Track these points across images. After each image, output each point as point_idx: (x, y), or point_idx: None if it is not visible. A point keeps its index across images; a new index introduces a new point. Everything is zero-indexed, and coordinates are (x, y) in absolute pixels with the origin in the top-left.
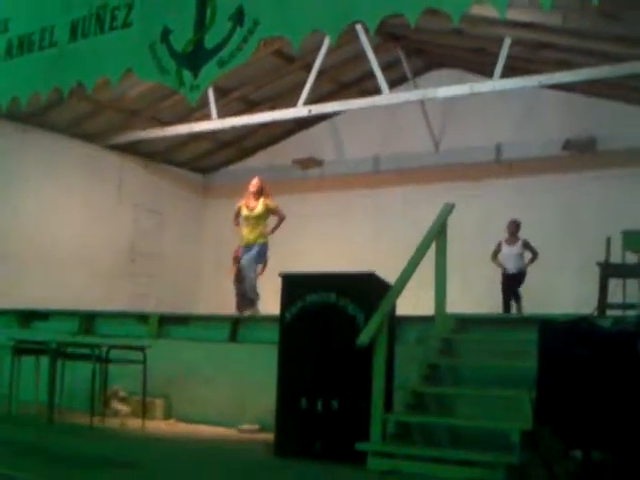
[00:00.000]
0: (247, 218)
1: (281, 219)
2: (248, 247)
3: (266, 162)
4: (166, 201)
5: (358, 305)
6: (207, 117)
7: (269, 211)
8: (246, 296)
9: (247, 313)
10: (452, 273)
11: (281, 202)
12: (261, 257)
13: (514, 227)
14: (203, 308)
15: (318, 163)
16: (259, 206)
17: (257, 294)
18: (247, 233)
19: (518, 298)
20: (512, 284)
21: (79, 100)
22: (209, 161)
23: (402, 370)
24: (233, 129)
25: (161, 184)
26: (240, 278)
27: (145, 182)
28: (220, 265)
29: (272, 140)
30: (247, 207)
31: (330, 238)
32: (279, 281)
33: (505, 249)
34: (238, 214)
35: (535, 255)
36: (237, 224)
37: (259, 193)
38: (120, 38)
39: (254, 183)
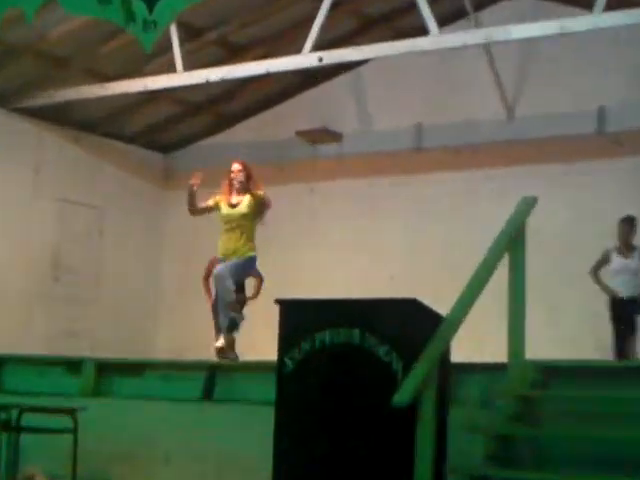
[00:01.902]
0: (227, 219)
1: (268, 205)
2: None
3: (256, 135)
4: (108, 192)
5: (393, 347)
6: (169, 69)
7: (260, 205)
8: (219, 317)
9: (228, 357)
10: (533, 300)
11: (280, 194)
12: (246, 270)
13: (629, 228)
14: (164, 351)
15: (334, 137)
16: (245, 200)
17: (240, 314)
18: (227, 240)
19: (634, 329)
20: (625, 314)
21: None
22: (172, 134)
23: (459, 444)
24: (208, 87)
25: (100, 168)
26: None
27: (76, 164)
28: (188, 287)
29: (265, 103)
30: (227, 203)
31: (351, 247)
32: (275, 311)
33: (616, 262)
34: (209, 209)
35: None
36: (195, 211)
37: (245, 183)
38: None
39: (236, 169)
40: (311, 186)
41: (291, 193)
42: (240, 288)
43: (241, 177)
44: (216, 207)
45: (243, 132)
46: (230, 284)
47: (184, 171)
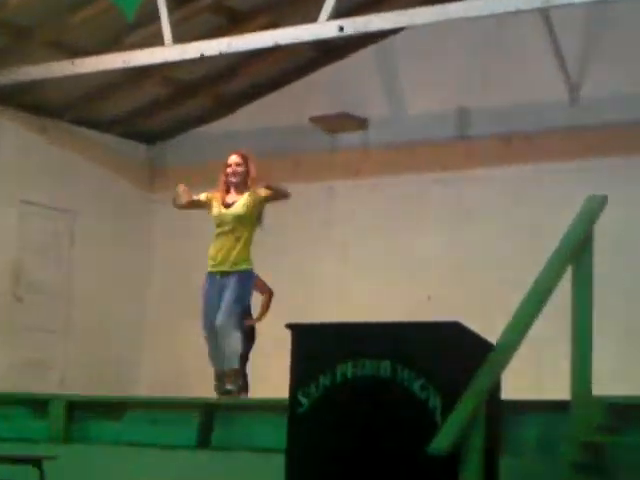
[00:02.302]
0: (219, 221)
1: (278, 194)
2: (217, 275)
3: (263, 122)
4: (81, 193)
5: (431, 381)
6: (155, 41)
7: (262, 202)
8: (222, 378)
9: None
10: (602, 322)
11: (292, 194)
12: (246, 291)
13: None
14: (149, 386)
15: (358, 123)
16: (242, 200)
17: (244, 376)
18: (218, 248)
19: None
20: None
21: None
22: (160, 121)
23: None
24: (203, 63)
25: (72, 162)
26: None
27: (42, 158)
28: (179, 309)
29: (274, 83)
30: (221, 202)
31: (379, 260)
32: (287, 338)
33: None
34: (199, 204)
35: None
36: (183, 204)
37: (242, 177)
38: None
39: (233, 161)
40: (330, 185)
41: (305, 193)
42: (247, 312)
43: (240, 172)
44: (207, 204)
45: (246, 118)
46: (235, 335)
47: (174, 166)
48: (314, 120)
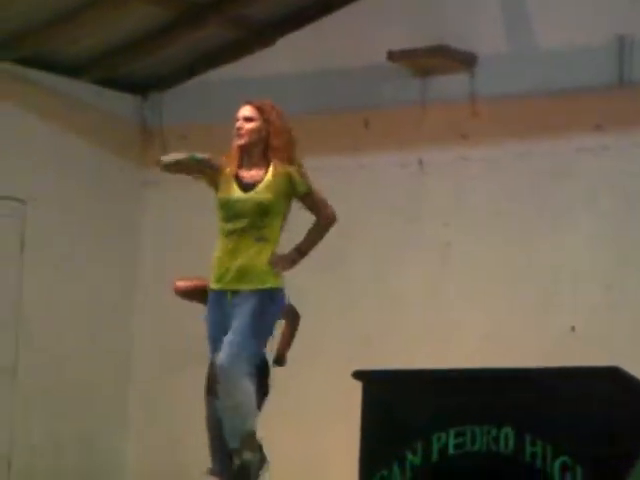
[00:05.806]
0: (230, 211)
1: (326, 222)
2: (226, 296)
3: (312, 61)
4: (35, 175)
5: (578, 458)
6: None
7: (295, 193)
8: (223, 450)
9: None
10: None
11: (360, 171)
12: (268, 330)
13: None
14: (135, 475)
15: (461, 62)
16: (267, 178)
17: (260, 454)
18: (229, 254)
19: None
20: None
21: None
22: (155, 61)
23: None
24: None
25: (19, 125)
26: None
27: None
28: (180, 365)
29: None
30: (232, 177)
31: (495, 271)
32: (351, 393)
33: None
34: (197, 168)
35: None
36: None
37: (254, 140)
38: None
39: (242, 113)
40: (418, 156)
41: (381, 169)
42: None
43: (249, 131)
44: (211, 178)
45: (288, 55)
46: (245, 383)
47: (177, 126)
48: (395, 57)
